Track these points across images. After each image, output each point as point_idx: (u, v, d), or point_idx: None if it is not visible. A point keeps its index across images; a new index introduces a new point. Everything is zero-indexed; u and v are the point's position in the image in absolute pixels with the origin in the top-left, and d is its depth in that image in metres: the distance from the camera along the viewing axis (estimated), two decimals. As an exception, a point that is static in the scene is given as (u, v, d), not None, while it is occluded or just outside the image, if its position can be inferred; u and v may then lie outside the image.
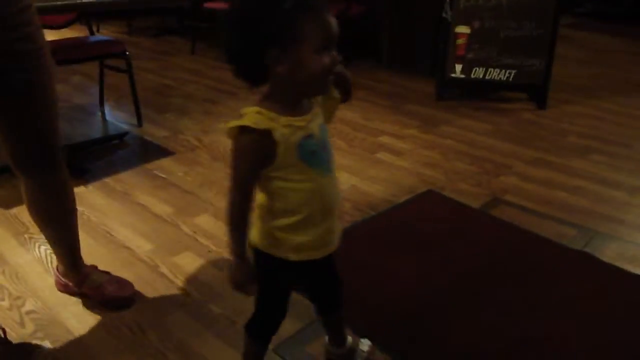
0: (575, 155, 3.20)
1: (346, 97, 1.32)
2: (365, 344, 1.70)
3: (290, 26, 1.09)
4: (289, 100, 1.18)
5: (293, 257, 1.29)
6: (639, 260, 2.20)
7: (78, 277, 1.91)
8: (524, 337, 1.77)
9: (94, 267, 1.97)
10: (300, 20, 1.09)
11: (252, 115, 1.14)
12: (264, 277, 1.34)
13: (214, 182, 2.76)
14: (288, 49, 1.10)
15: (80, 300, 1.92)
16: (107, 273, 1.98)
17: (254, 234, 1.30)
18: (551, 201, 2.65)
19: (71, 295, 1.94)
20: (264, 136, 1.14)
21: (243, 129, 1.13)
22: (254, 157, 1.17)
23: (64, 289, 1.95)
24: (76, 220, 1.88)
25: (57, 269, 1.95)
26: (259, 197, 1.26)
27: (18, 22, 1.49)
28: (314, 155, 1.22)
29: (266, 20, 1.09)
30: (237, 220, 1.23)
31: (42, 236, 2.25)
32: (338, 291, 1.55)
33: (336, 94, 1.30)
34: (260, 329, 1.47)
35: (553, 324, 1.83)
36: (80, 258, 1.93)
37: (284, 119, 1.16)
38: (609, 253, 2.23)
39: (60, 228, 1.85)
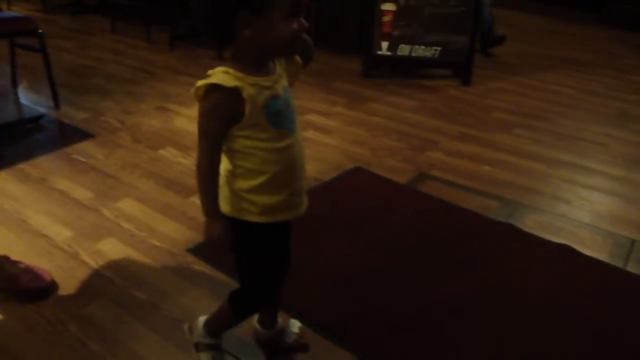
0: (499, 130, 3.27)
1: (307, 62, 1.36)
2: (295, 325, 1.68)
3: None
4: (255, 62, 1.20)
5: (263, 219, 1.29)
6: (556, 228, 2.28)
7: None
8: (459, 308, 1.80)
9: (6, 257, 1.87)
10: None
11: (220, 74, 1.16)
12: (240, 245, 1.34)
13: (136, 164, 2.66)
14: (259, 14, 1.12)
15: (-7, 293, 1.81)
16: (20, 262, 1.86)
17: (222, 202, 1.29)
18: (476, 175, 2.71)
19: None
20: (233, 94, 1.16)
21: (212, 87, 1.15)
22: (223, 115, 1.18)
23: None
24: None
25: None
26: (224, 163, 1.27)
27: None
28: (279, 115, 1.24)
29: None
30: (209, 179, 1.24)
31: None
32: (287, 270, 1.52)
33: (298, 59, 1.32)
34: (244, 303, 1.46)
35: (487, 295, 1.87)
36: None
37: (250, 79, 1.18)
38: (530, 223, 2.30)
39: None
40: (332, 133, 3.13)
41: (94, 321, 1.71)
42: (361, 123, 3.29)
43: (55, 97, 3.36)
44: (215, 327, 1.54)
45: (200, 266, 1.95)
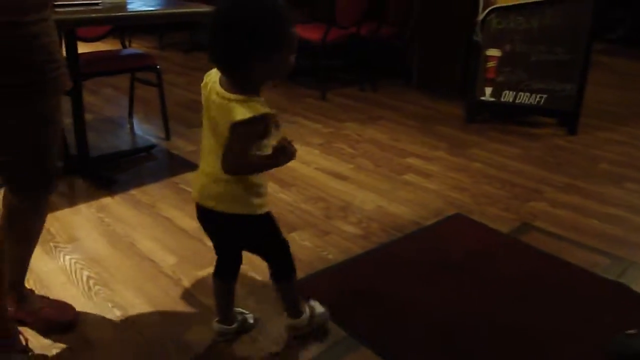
0: (608, 182, 3.13)
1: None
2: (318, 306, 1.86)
3: (283, 36, 1.40)
4: (259, 87, 1.47)
5: (266, 209, 1.61)
6: (674, 293, 2.13)
7: (17, 298, 1.78)
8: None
9: (32, 291, 1.86)
10: (288, 32, 1.41)
11: (257, 104, 1.41)
12: (270, 232, 1.67)
13: (239, 197, 2.74)
14: (275, 52, 1.40)
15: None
16: (45, 297, 1.88)
17: (233, 204, 1.55)
18: (583, 229, 2.59)
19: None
20: (267, 118, 1.43)
21: (261, 117, 1.40)
22: (257, 137, 1.46)
23: None
24: (36, 243, 1.79)
25: None
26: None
27: (35, 31, 1.42)
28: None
29: (266, 32, 1.37)
30: (249, 164, 1.50)
31: (68, 246, 2.27)
32: None
33: None
34: (290, 268, 1.73)
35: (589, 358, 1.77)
36: (24, 278, 1.81)
37: (263, 100, 1.44)
38: (644, 284, 2.17)
39: (29, 247, 1.75)
40: (432, 177, 3.10)
41: (192, 347, 1.76)
42: (462, 169, 3.24)
43: (166, 129, 3.55)
44: (298, 304, 1.79)
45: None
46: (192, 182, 1.73)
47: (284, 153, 1.50)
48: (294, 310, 1.79)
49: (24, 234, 1.71)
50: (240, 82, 1.43)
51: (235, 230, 1.63)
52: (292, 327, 1.80)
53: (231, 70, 1.44)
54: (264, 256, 1.73)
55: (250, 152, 1.46)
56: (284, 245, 1.71)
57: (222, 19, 1.42)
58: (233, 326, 1.79)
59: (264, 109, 1.41)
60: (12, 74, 1.42)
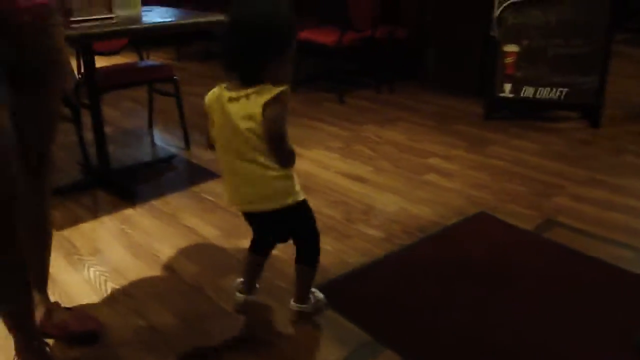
0: (632, 175, 3.07)
1: None
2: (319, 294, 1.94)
3: (293, 38, 1.55)
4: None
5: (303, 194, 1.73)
6: None
7: (44, 313, 1.79)
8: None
9: (57, 304, 1.87)
10: (295, 34, 1.56)
11: (271, 87, 1.52)
12: (310, 216, 1.78)
13: (260, 204, 2.75)
14: (287, 54, 1.55)
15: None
16: (70, 309, 1.89)
17: (280, 199, 1.65)
18: (607, 223, 2.54)
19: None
20: (287, 94, 1.54)
21: (283, 93, 1.51)
22: (286, 115, 1.57)
23: None
24: (51, 243, 1.80)
25: None
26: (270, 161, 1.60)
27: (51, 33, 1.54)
28: None
29: (280, 36, 1.53)
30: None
31: (92, 258, 2.30)
32: None
33: None
34: (316, 255, 1.84)
35: (616, 356, 1.74)
36: (47, 291, 1.83)
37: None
38: (673, 278, 2.12)
39: (34, 247, 1.72)
40: (453, 176, 3.08)
41: (220, 354, 1.76)
42: (483, 166, 3.21)
43: (186, 139, 3.57)
44: (309, 292, 1.89)
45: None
46: (228, 197, 1.75)
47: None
48: (303, 297, 1.88)
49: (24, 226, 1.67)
50: (260, 80, 1.54)
51: (285, 221, 1.74)
52: (298, 312, 1.89)
53: (248, 74, 1.54)
54: (298, 239, 1.82)
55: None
56: (316, 232, 1.81)
57: (237, 27, 1.54)
58: (254, 296, 1.96)
59: (281, 87, 1.52)
60: (37, 68, 1.53)
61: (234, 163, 1.63)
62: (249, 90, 1.53)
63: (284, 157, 1.60)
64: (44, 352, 1.65)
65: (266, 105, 1.50)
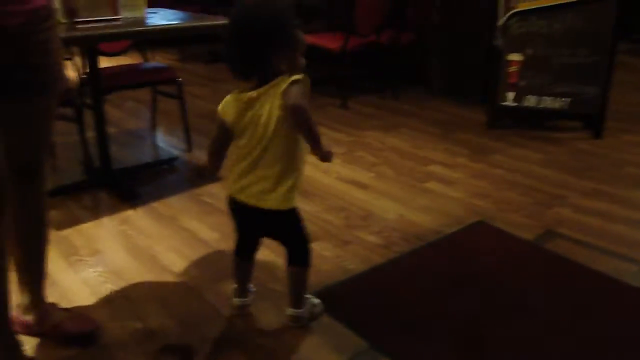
0: (635, 186, 3.07)
1: None
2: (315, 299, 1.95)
3: (296, 38, 1.61)
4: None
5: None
6: None
7: (40, 314, 1.79)
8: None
9: (53, 305, 1.87)
10: (299, 34, 1.61)
11: (285, 77, 1.57)
12: (298, 223, 1.80)
13: (260, 208, 2.74)
14: (291, 54, 1.60)
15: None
16: (67, 309, 1.89)
17: (294, 199, 1.73)
18: (609, 235, 2.54)
19: (30, 336, 1.79)
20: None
21: (297, 79, 1.57)
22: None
23: (24, 330, 1.78)
24: (47, 246, 1.78)
25: (18, 306, 1.79)
26: (291, 165, 1.69)
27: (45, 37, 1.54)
28: None
29: (282, 35, 1.57)
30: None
31: (92, 259, 2.29)
32: None
33: None
34: (309, 256, 1.85)
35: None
36: (44, 292, 1.82)
37: None
38: (673, 291, 2.11)
39: (30, 250, 1.74)
40: (454, 185, 3.08)
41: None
42: (484, 175, 3.21)
43: (188, 141, 3.57)
44: (303, 296, 1.88)
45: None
46: (238, 189, 1.75)
47: (328, 154, 1.71)
48: (298, 301, 1.88)
49: (19, 233, 1.70)
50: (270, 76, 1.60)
51: (282, 223, 1.79)
52: (293, 317, 1.88)
53: (258, 71, 1.60)
54: (289, 243, 1.85)
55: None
56: (307, 235, 1.84)
57: (235, 29, 1.60)
58: (248, 299, 1.97)
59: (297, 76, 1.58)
60: (28, 73, 1.52)
61: (252, 161, 1.67)
62: (266, 87, 1.59)
63: (314, 138, 1.64)
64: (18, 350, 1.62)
65: (284, 93, 1.56)
